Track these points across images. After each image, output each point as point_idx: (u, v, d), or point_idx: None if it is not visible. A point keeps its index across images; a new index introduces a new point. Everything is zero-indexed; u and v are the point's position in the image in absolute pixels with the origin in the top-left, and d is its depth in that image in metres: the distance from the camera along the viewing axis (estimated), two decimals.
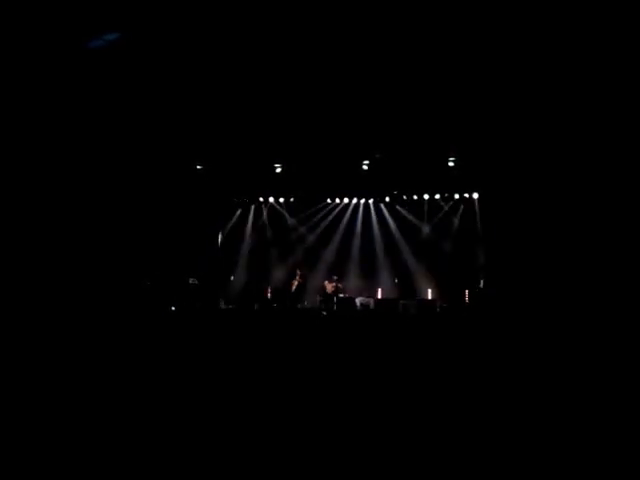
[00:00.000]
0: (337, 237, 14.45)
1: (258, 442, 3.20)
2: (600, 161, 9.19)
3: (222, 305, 13.48)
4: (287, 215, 14.88)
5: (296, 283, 13.11)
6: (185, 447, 3.05)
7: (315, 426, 3.49)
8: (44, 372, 4.85)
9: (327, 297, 13.05)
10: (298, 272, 13.32)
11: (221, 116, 10.25)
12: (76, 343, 6.31)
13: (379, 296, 13.13)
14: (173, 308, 11.44)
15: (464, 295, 11.89)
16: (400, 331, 8.13)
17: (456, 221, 13.56)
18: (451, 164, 11.90)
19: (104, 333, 7.19)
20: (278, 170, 12.81)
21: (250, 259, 14.68)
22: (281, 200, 14.81)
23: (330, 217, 14.65)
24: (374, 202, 14.44)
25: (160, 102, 9.71)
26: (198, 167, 12.78)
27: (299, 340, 7.25)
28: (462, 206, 13.57)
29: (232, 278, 14.34)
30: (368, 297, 12.99)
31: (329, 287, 13.18)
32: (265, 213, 15.06)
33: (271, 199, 14.87)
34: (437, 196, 13.74)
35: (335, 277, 13.28)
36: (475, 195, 13.23)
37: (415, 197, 13.90)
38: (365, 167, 12.29)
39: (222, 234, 14.87)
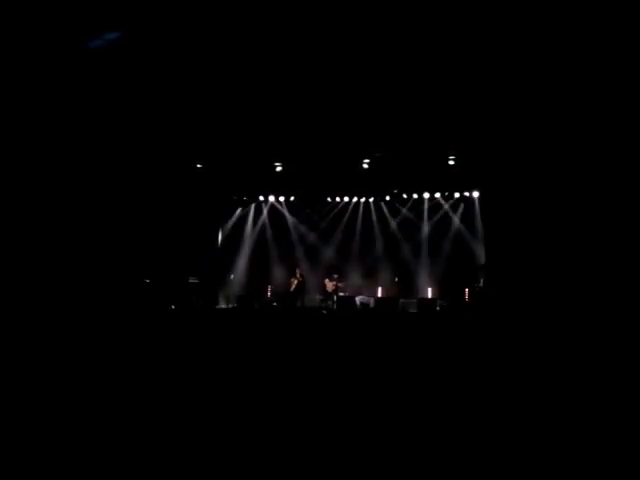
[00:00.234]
0: (337, 236, 14.47)
1: (259, 441, 3.20)
2: (601, 161, 9.18)
3: (222, 304, 13.51)
4: (287, 214, 14.89)
5: (296, 282, 13.13)
6: (186, 446, 3.06)
7: (316, 425, 3.49)
8: (44, 370, 4.86)
9: (327, 296, 13.07)
10: (297, 271, 13.33)
11: (221, 115, 10.24)
12: (76, 341, 6.32)
13: (379, 295, 13.15)
14: (173, 307, 11.46)
15: (464, 294, 11.91)
16: (400, 330, 8.13)
17: (456, 220, 13.56)
18: (451, 163, 11.90)
19: (104, 331, 7.20)
20: (278, 169, 12.82)
21: (250, 258, 14.70)
22: (281, 199, 14.82)
23: (330, 216, 14.67)
24: (374, 201, 14.45)
25: (160, 101, 9.71)
26: (198, 166, 12.78)
27: (299, 339, 7.26)
28: (462, 205, 13.58)
29: (232, 277, 14.36)
30: (368, 296, 13.01)
31: (329, 286, 13.20)
32: (265, 212, 15.07)
33: (271, 198, 14.88)
34: (437, 195, 13.75)
35: (335, 276, 13.30)
36: (475, 194, 13.23)
37: (415, 196, 13.91)
38: (365, 166, 12.30)
39: (222, 233, 14.89)
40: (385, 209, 14.34)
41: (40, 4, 7.13)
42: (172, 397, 4.09)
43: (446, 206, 13.76)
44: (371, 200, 14.47)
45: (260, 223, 15.04)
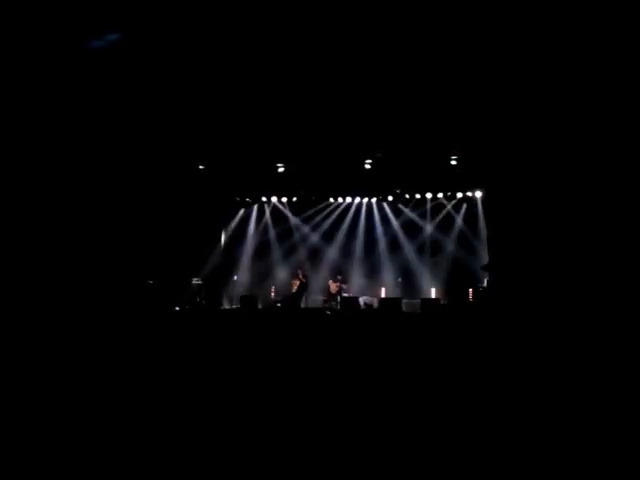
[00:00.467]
0: (340, 236, 14.45)
1: (263, 440, 3.19)
2: (605, 161, 9.14)
3: (225, 305, 13.51)
4: (290, 215, 14.88)
5: (298, 283, 13.10)
6: (191, 445, 3.05)
7: (320, 424, 3.48)
8: (48, 371, 4.86)
9: (331, 297, 13.06)
10: (299, 272, 13.32)
11: (224, 116, 10.25)
12: (80, 342, 6.33)
13: (383, 295, 13.13)
14: (177, 308, 11.47)
15: (468, 294, 11.88)
16: (404, 330, 8.12)
17: (459, 220, 13.54)
18: (454, 163, 11.87)
19: (108, 333, 7.20)
20: (281, 170, 12.82)
21: (253, 259, 14.69)
22: (284, 200, 14.81)
23: (333, 216, 14.65)
24: (377, 201, 14.43)
25: (163, 102, 9.72)
26: (201, 167, 12.79)
27: (303, 339, 7.25)
28: (465, 205, 13.55)
29: (235, 278, 14.36)
30: (372, 296, 12.99)
31: (333, 287, 13.19)
32: (268, 213, 15.06)
33: (274, 199, 14.87)
34: (440, 195, 13.72)
35: (339, 277, 13.29)
36: (478, 194, 13.20)
37: (418, 196, 13.88)
38: (368, 166, 12.28)
39: (225, 234, 14.89)
40: (388, 209, 14.32)
41: (40, 4, 7.14)
42: (176, 397, 4.08)
43: (449, 206, 13.74)
44: (374, 200, 14.45)
45: (263, 224, 15.03)
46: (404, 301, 12.10)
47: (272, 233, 14.89)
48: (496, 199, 11.84)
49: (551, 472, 2.81)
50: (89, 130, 10.05)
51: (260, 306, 12.60)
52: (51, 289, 9.02)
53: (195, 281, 12.84)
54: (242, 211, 15.08)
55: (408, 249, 13.79)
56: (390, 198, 14.18)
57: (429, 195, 13.72)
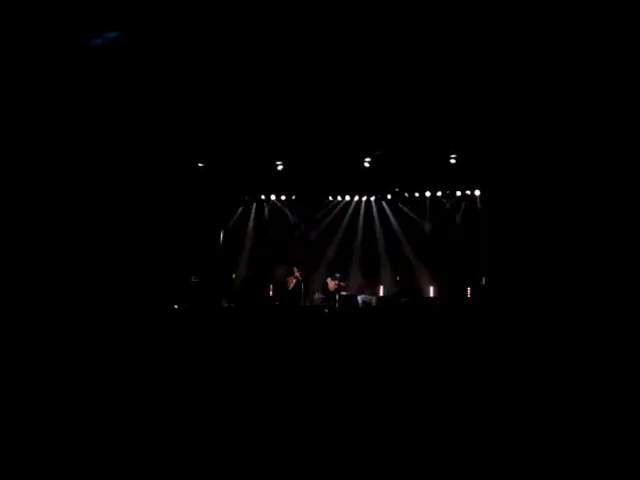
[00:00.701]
0: (339, 235, 14.45)
1: (262, 439, 3.20)
2: (605, 159, 9.14)
3: (224, 303, 13.50)
4: (289, 213, 14.88)
5: (294, 281, 13.09)
6: (190, 445, 3.06)
7: (318, 423, 3.49)
8: (46, 370, 4.86)
9: (329, 295, 13.06)
10: (295, 270, 13.31)
11: (222, 114, 10.24)
12: (78, 341, 6.33)
13: (381, 293, 13.14)
14: (175, 306, 11.46)
15: (466, 292, 11.89)
16: (402, 328, 8.12)
17: (458, 218, 13.54)
18: (453, 161, 11.87)
19: (105, 331, 7.20)
20: (280, 168, 12.80)
21: (252, 257, 14.69)
22: (283, 198, 14.80)
23: (332, 215, 14.65)
24: (376, 199, 14.43)
25: (161, 100, 9.71)
26: (200, 165, 12.77)
27: (301, 338, 7.25)
28: (464, 203, 13.55)
29: (234, 276, 14.35)
30: (370, 295, 13.00)
31: (331, 285, 13.18)
32: (267, 211, 15.05)
33: (273, 197, 14.86)
34: (439, 193, 13.73)
35: (338, 275, 13.28)
36: (477, 192, 13.21)
37: (417, 194, 13.88)
38: (367, 164, 12.27)
39: (224, 232, 14.88)
40: (387, 208, 14.32)
41: (40, 4, 7.13)
42: (175, 396, 4.09)
43: (448, 205, 13.74)
44: (372, 199, 14.45)
45: (262, 222, 15.03)
46: (402, 299, 12.12)
47: (271, 231, 14.89)
48: (495, 198, 11.85)
49: (551, 472, 2.81)
50: (88, 128, 10.04)
51: (258, 304, 12.59)
52: (49, 286, 9.01)
53: (193, 279, 12.84)
54: (241, 209, 15.07)
55: (407, 248, 13.79)
56: (389, 196, 14.19)
57: (428, 193, 13.73)
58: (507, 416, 3.68)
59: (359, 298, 12.40)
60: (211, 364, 5.44)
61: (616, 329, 6.69)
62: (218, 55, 8.42)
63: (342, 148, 11.53)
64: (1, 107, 8.63)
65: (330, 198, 14.62)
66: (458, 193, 13.53)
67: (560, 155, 9.83)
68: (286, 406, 3.88)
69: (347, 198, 14.56)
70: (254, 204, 15.09)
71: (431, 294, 12.80)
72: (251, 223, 15.03)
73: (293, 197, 14.72)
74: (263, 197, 14.97)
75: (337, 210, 14.65)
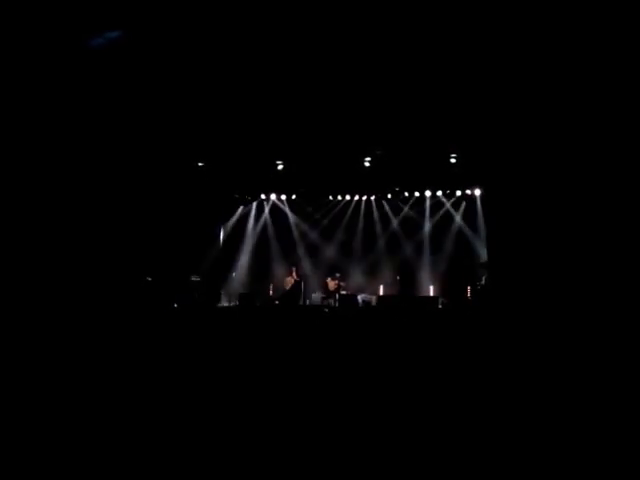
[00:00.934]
0: (339, 234, 14.47)
1: (261, 439, 3.20)
2: (605, 158, 9.14)
3: (224, 302, 13.52)
4: (289, 212, 14.88)
5: (293, 281, 13.10)
6: (188, 445, 3.06)
7: (317, 422, 3.49)
8: (45, 369, 4.87)
9: (329, 294, 13.07)
10: (294, 270, 13.31)
11: (223, 113, 10.24)
12: (78, 340, 6.33)
13: (381, 293, 13.15)
14: (175, 305, 11.47)
15: (466, 292, 11.90)
16: (402, 328, 8.13)
17: (458, 217, 13.55)
18: (453, 161, 11.87)
19: (106, 330, 7.21)
20: (280, 167, 12.82)
21: (252, 256, 14.70)
22: (283, 197, 14.81)
23: (332, 214, 14.66)
24: (376, 199, 14.44)
25: (161, 100, 9.71)
26: (200, 164, 12.78)
27: (301, 337, 7.26)
28: (464, 203, 13.56)
29: (234, 275, 14.37)
30: (370, 294, 13.01)
31: (331, 284, 13.20)
32: (267, 210, 15.06)
33: (273, 196, 14.88)
34: (439, 193, 13.74)
35: (338, 274, 13.30)
36: (477, 192, 13.21)
37: (417, 194, 13.89)
38: (367, 164, 12.28)
39: (224, 231, 14.89)
40: (387, 207, 14.33)
41: (40, 4, 7.13)
42: (174, 395, 4.09)
43: (448, 204, 13.74)
44: (373, 198, 14.46)
45: (262, 221, 15.04)
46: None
47: (271, 230, 14.90)
48: (495, 197, 11.84)
49: (550, 472, 2.82)
50: (88, 128, 10.04)
51: (258, 304, 12.61)
52: (49, 285, 9.02)
53: (194, 278, 12.85)
54: (241, 208, 15.09)
55: (407, 247, 13.80)
56: (389, 196, 14.19)
57: (428, 193, 13.73)
58: (507, 415, 3.68)
59: (359, 298, 12.41)
60: (211, 363, 5.45)
61: (616, 328, 6.70)
62: (218, 55, 8.42)
63: (342, 148, 11.52)
64: (1, 107, 8.64)
65: (330, 197, 14.63)
66: (458, 192, 13.53)
67: (560, 155, 9.81)
68: (286, 406, 3.89)
69: (347, 197, 14.57)
70: (254, 203, 15.10)
71: (431, 293, 12.81)
72: (251, 222, 15.05)
73: (293, 197, 14.73)
74: (263, 196, 14.98)
75: (337, 210, 14.66)
